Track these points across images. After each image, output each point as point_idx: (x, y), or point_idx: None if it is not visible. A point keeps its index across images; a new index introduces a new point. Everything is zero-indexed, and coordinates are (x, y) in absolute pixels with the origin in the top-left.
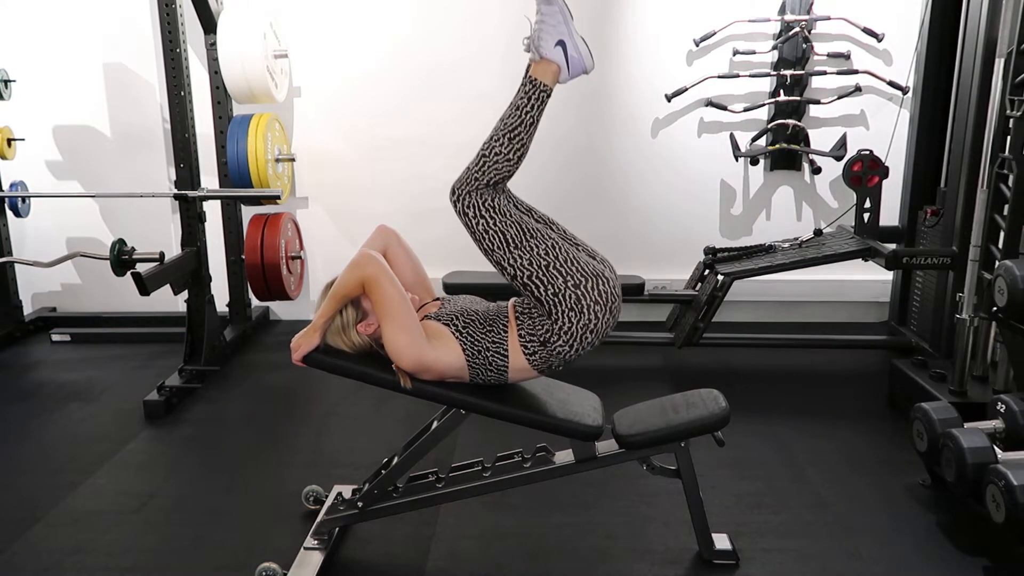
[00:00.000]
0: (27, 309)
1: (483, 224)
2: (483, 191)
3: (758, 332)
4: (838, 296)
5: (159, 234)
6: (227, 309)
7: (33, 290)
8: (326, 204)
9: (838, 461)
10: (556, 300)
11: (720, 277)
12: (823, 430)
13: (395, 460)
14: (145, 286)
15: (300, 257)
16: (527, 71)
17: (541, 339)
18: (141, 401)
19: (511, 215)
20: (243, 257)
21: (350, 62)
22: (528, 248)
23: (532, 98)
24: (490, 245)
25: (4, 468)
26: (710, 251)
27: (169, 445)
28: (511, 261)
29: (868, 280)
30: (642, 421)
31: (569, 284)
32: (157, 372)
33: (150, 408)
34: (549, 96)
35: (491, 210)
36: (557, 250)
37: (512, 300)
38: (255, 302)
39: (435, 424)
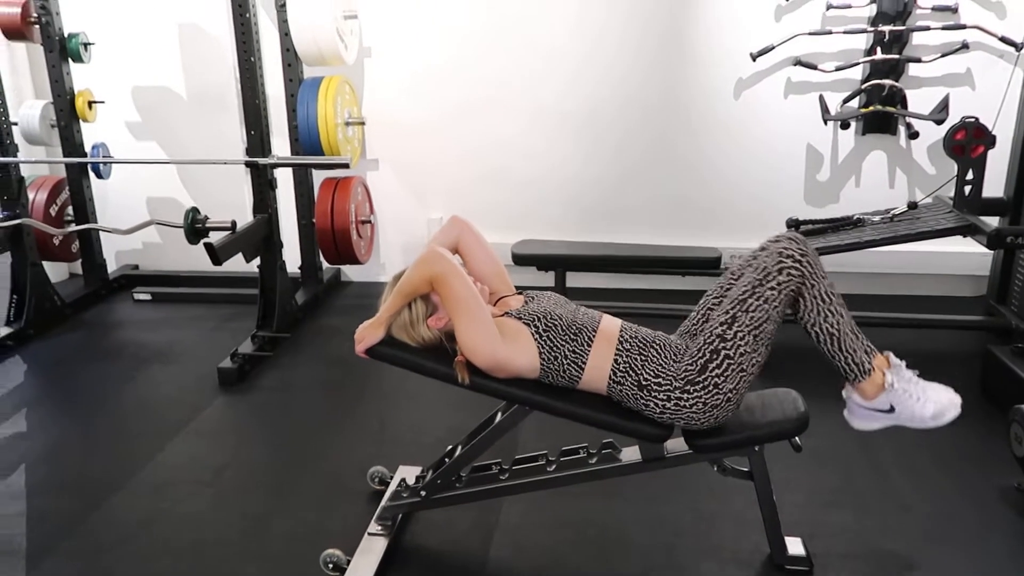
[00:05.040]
0: (111, 267)
1: (770, 295)
2: (797, 292)
3: (848, 305)
4: (931, 269)
5: (234, 191)
6: (299, 271)
7: (116, 248)
8: (397, 167)
9: (923, 456)
10: (711, 387)
11: None
12: None
13: (458, 450)
14: (218, 256)
15: (370, 221)
16: (879, 355)
17: (640, 382)
18: (215, 367)
19: (779, 319)
20: (314, 221)
21: (421, 21)
22: (756, 349)
23: (854, 365)
24: (747, 306)
25: (92, 433)
26: (793, 223)
27: (241, 414)
28: (739, 334)
29: (965, 252)
30: None
31: (726, 396)
32: (232, 334)
33: (224, 375)
34: (858, 379)
35: (784, 299)
36: (756, 374)
37: (619, 322)
38: (326, 264)
39: (499, 416)
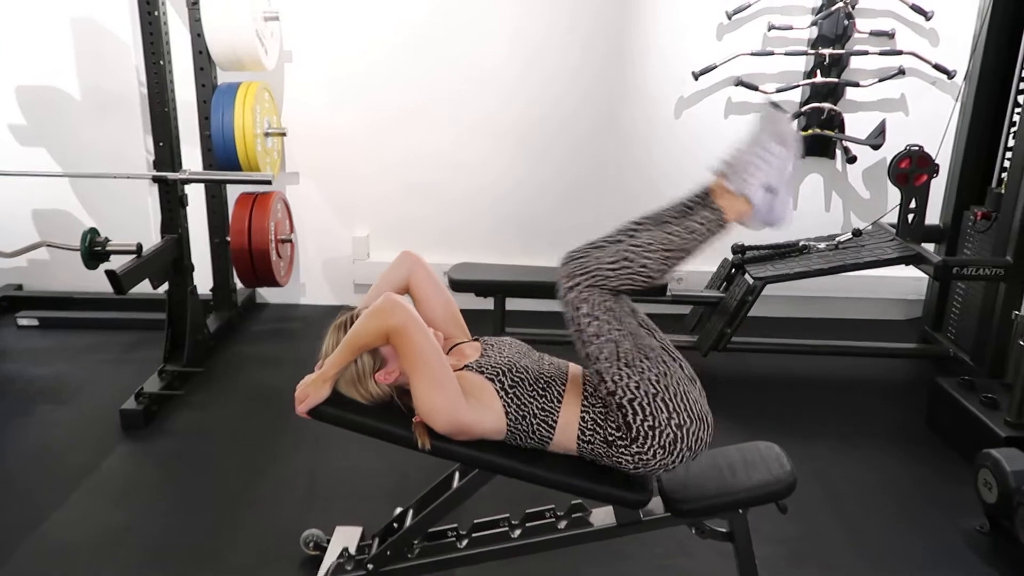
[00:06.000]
0: None
1: (595, 327)
2: (605, 292)
3: (781, 330)
4: (866, 293)
5: (135, 206)
6: (210, 294)
7: None
8: (319, 180)
9: (883, 497)
10: (649, 433)
11: (751, 281)
12: (861, 454)
13: (408, 515)
14: (121, 285)
15: (290, 240)
16: (709, 194)
17: (607, 439)
18: (117, 409)
19: (627, 325)
20: (228, 240)
21: (348, 24)
22: (640, 370)
23: (709, 226)
24: (597, 352)
25: None
26: (739, 249)
27: (149, 465)
28: (615, 378)
29: (900, 277)
30: (695, 484)
31: (672, 423)
32: (135, 367)
33: (127, 418)
34: (725, 231)
35: (609, 313)
36: (669, 379)
37: (582, 370)
38: (241, 285)
39: (457, 478)
